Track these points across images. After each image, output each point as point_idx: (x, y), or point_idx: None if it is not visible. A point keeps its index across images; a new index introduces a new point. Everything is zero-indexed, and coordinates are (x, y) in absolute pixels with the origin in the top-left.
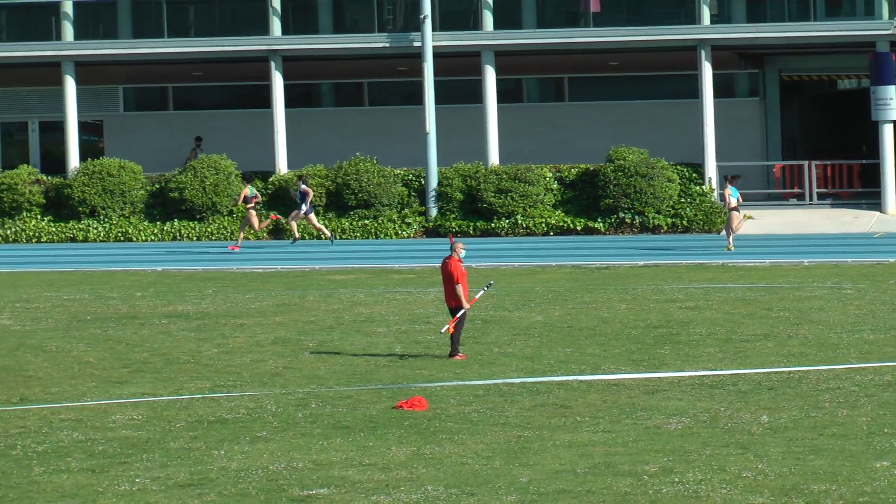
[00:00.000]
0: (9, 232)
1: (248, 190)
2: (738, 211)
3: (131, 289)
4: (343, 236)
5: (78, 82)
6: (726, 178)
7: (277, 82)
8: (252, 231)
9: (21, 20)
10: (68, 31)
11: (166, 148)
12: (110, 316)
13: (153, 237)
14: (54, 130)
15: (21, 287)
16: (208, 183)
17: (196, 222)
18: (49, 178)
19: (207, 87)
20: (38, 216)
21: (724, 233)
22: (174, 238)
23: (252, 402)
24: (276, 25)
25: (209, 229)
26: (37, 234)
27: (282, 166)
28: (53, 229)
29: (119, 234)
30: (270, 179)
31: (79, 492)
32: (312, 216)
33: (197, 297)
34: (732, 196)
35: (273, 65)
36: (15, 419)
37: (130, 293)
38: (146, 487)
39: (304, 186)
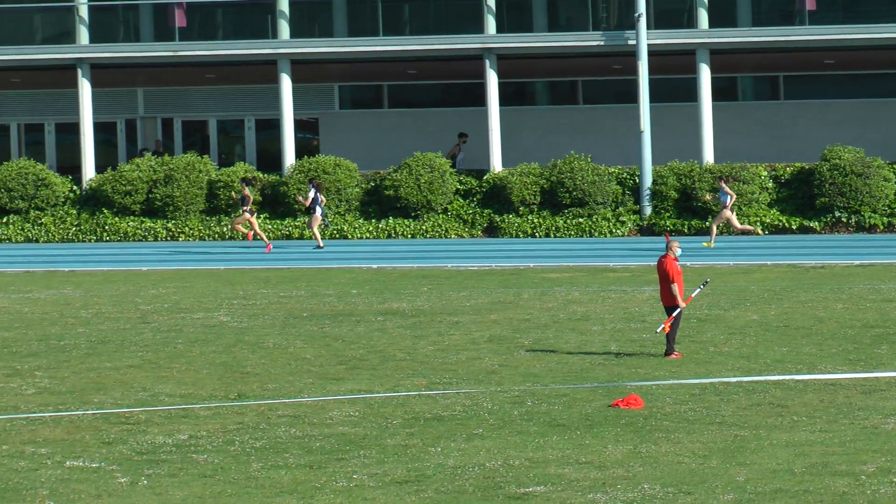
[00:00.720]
0: (225, 229)
1: (248, 191)
2: (731, 211)
3: (347, 286)
4: (557, 235)
5: (293, 80)
6: (720, 178)
7: (492, 80)
8: (238, 232)
9: (237, 18)
10: (284, 29)
11: (381, 146)
12: (326, 313)
13: (368, 234)
14: (270, 128)
15: (238, 284)
16: (423, 181)
17: (411, 220)
18: (265, 175)
19: (422, 85)
20: (255, 213)
21: (715, 229)
22: (389, 236)
23: (468, 400)
24: (490, 24)
25: (424, 227)
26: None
27: (496, 164)
28: (270, 226)
29: (334, 232)
30: (485, 178)
31: (296, 488)
32: (317, 219)
33: (412, 294)
34: (722, 198)
35: (487, 63)
36: (233, 415)
37: (346, 290)
38: (363, 484)
39: (314, 191)
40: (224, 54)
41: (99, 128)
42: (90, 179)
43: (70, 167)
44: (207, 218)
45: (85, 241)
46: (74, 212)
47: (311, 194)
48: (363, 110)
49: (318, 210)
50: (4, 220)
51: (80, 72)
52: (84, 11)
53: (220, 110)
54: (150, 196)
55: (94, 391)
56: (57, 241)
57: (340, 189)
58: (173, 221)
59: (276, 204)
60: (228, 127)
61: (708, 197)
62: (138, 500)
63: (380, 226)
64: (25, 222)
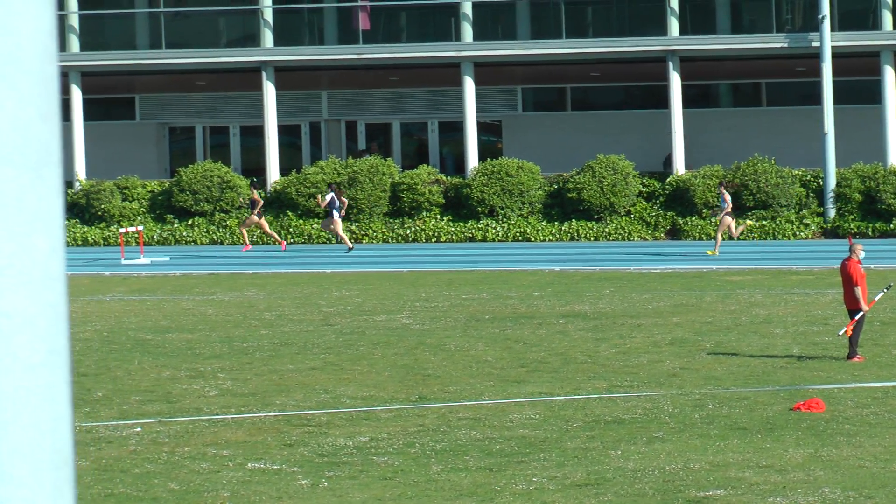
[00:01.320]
0: (408, 231)
1: (257, 195)
2: (730, 216)
3: (529, 288)
4: (740, 237)
5: (476, 83)
6: (720, 183)
7: (675, 82)
8: (245, 234)
9: (421, 21)
10: (467, 31)
11: (564, 148)
12: (508, 315)
13: (551, 237)
14: (454, 131)
15: (420, 286)
16: (606, 183)
17: (594, 222)
18: (448, 178)
19: (605, 87)
20: (438, 216)
21: (718, 236)
22: (572, 238)
23: (649, 403)
24: (673, 26)
25: (607, 229)
26: (436, 234)
27: (679, 167)
28: (452, 229)
29: (517, 234)
30: (668, 180)
31: (476, 490)
32: (338, 222)
33: (594, 296)
34: (721, 204)
35: (671, 65)
36: (414, 417)
37: (528, 293)
38: (543, 487)
39: (331, 194)
40: (407, 57)
41: (283, 130)
42: (274, 182)
43: (254, 169)
44: (391, 220)
45: (269, 244)
46: None
47: (329, 197)
48: (546, 113)
49: (336, 214)
50: (190, 222)
51: (264, 74)
52: (269, 14)
53: (404, 113)
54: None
55: (276, 393)
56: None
57: (523, 191)
58: (357, 224)
59: (460, 206)
60: (412, 129)
61: (705, 212)
62: (318, 503)
63: (562, 228)
64: (210, 224)
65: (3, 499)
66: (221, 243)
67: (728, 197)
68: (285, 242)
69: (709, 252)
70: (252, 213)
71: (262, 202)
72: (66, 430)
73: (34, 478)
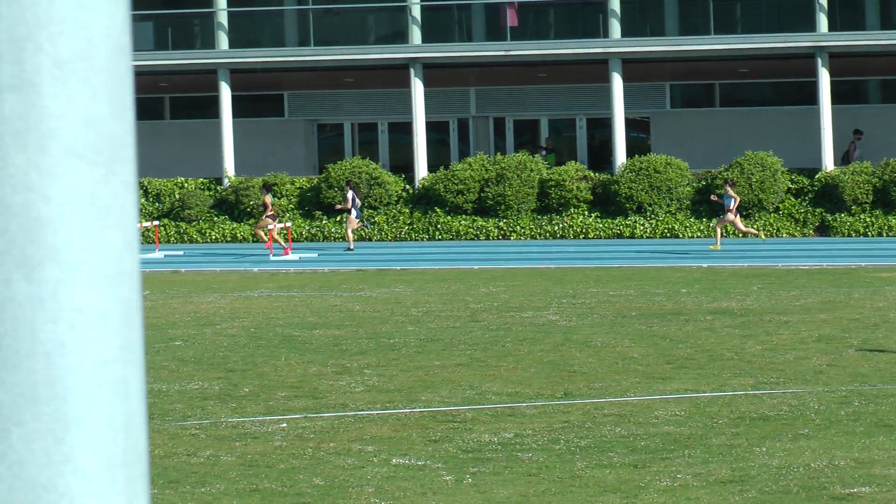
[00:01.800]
0: (556, 228)
1: (269, 198)
2: (734, 215)
3: (676, 285)
4: (890, 234)
5: (624, 79)
6: (726, 181)
7: (824, 79)
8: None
9: (569, 18)
10: (615, 28)
11: (712, 144)
12: (655, 312)
13: (699, 234)
14: (602, 127)
15: (567, 283)
16: (755, 179)
17: (742, 219)
18: (596, 174)
19: (754, 83)
20: (585, 212)
21: (720, 231)
22: (721, 235)
23: (794, 400)
24: (822, 22)
25: (755, 226)
26: (584, 230)
27: (828, 163)
28: (600, 225)
29: (665, 231)
30: (816, 177)
31: (620, 486)
32: (352, 220)
33: (742, 293)
34: (726, 201)
35: (819, 61)
36: (559, 414)
37: (675, 289)
38: (687, 483)
39: (351, 193)
40: (555, 53)
41: (431, 127)
42: (422, 178)
43: (402, 166)
44: (539, 217)
45: (417, 240)
46: (407, 210)
47: (350, 195)
48: (694, 109)
49: (354, 212)
50: (338, 218)
51: (412, 71)
52: (416, 11)
53: (552, 109)
54: (482, 195)
55: (421, 389)
56: (389, 240)
57: (671, 188)
58: (504, 220)
59: (608, 203)
60: (561, 126)
61: (713, 198)
62: (463, 498)
63: (710, 224)
64: (358, 221)
65: (76, 494)
66: (370, 240)
67: (733, 193)
68: (274, 248)
69: (710, 248)
70: (265, 215)
71: (270, 207)
72: (140, 425)
73: (107, 473)
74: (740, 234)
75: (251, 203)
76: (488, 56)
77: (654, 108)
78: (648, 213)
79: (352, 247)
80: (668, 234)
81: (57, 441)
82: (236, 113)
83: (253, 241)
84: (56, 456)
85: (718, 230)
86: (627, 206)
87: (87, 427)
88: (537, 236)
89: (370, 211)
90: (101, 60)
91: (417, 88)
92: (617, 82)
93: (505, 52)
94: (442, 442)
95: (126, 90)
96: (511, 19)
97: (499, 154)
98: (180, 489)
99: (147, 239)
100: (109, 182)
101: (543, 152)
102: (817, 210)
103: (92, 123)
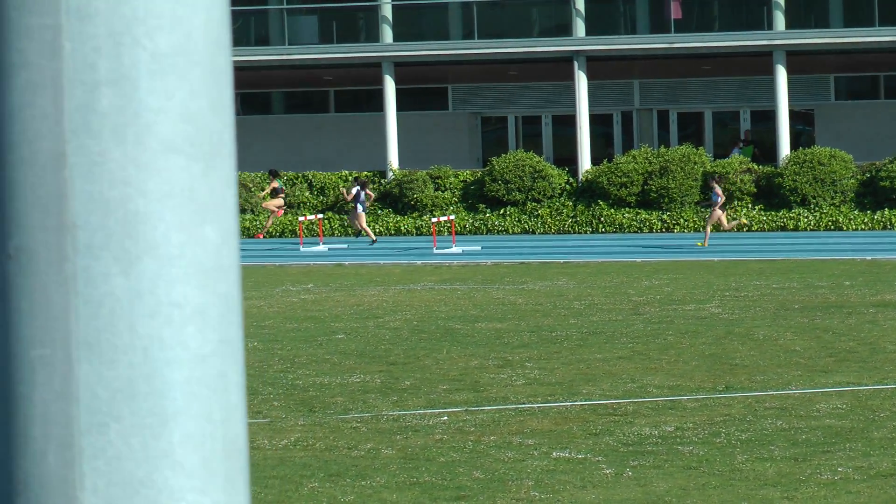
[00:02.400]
0: (744, 220)
1: (277, 183)
2: (722, 210)
3: (840, 278)
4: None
5: (788, 71)
6: (712, 178)
7: None
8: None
9: (733, 10)
10: (780, 20)
11: (877, 137)
12: (817, 304)
13: (863, 226)
14: (766, 120)
15: (731, 275)
16: None
17: (727, 214)
18: (760, 167)
19: None
20: (750, 204)
21: (709, 228)
22: (884, 227)
23: None
24: None
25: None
26: (747, 223)
27: None
28: (764, 217)
29: (829, 223)
30: None
31: (781, 480)
32: (362, 216)
33: None
34: (713, 198)
35: None
36: (720, 407)
37: (839, 282)
38: (848, 477)
39: (357, 188)
40: (719, 46)
41: (594, 120)
42: (586, 171)
43: (566, 159)
44: (702, 210)
45: (580, 233)
46: (570, 203)
47: (355, 191)
48: (859, 101)
49: (360, 207)
50: (501, 211)
51: (576, 64)
52: (580, 4)
53: (716, 102)
54: (646, 188)
55: (582, 382)
56: (553, 233)
57: (835, 180)
58: (668, 213)
59: (771, 195)
60: (725, 118)
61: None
62: (622, 492)
63: (875, 217)
64: (522, 214)
65: (174, 489)
66: (533, 233)
67: (719, 190)
68: (262, 235)
69: (698, 244)
70: (279, 195)
71: (283, 189)
72: (240, 419)
73: (206, 467)
74: (727, 230)
75: (415, 196)
76: (652, 49)
77: (818, 100)
78: (812, 206)
79: (374, 237)
80: (832, 227)
81: (154, 436)
82: (400, 106)
83: (416, 235)
84: (154, 451)
85: (708, 227)
86: (791, 198)
87: (186, 422)
88: (700, 229)
89: (534, 204)
90: (199, 55)
91: (581, 81)
92: (781, 74)
93: (669, 45)
94: (602, 435)
95: (225, 85)
96: (675, 12)
97: (662, 147)
98: (340, 482)
99: (311, 232)
100: (208, 177)
101: (741, 145)
102: None
103: (190, 118)
